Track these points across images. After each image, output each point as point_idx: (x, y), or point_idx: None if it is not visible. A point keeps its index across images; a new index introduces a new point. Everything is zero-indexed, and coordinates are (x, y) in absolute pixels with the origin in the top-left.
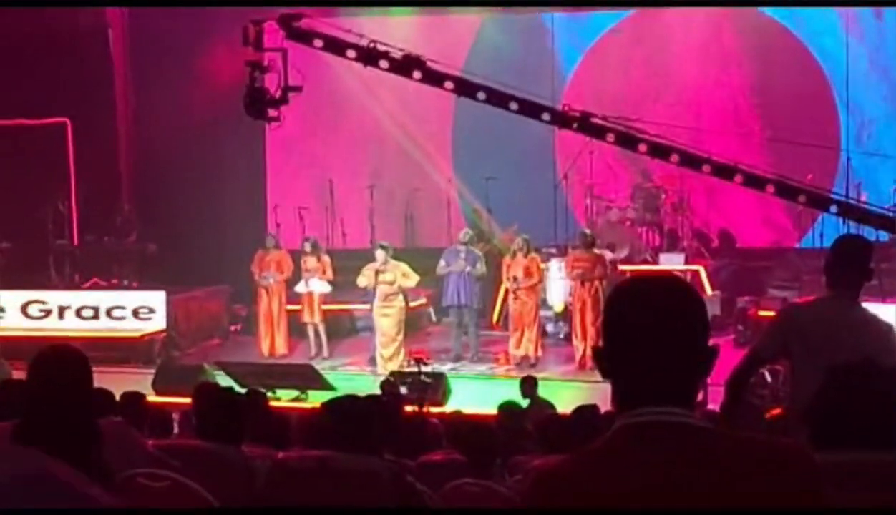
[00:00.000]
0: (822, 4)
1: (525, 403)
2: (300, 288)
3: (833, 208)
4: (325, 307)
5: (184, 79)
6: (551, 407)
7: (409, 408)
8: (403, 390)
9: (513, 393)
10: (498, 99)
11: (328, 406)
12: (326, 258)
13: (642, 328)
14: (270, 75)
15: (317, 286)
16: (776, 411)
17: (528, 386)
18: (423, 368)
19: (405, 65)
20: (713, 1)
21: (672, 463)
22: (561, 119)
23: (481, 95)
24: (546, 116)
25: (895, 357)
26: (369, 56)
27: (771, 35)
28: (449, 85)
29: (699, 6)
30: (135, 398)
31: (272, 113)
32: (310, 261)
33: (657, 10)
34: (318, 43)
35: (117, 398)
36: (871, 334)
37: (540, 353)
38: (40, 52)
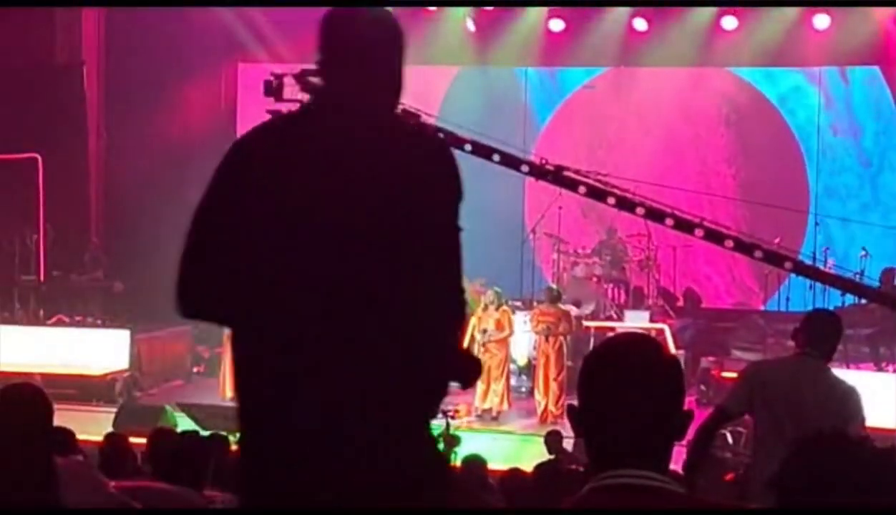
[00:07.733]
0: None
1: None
2: None
3: (787, 264)
4: None
5: (156, 118)
6: (583, 462)
7: None
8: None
9: (473, 445)
10: (482, 151)
11: None
12: None
13: (617, 390)
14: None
15: None
16: (730, 476)
17: (554, 440)
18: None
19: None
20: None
21: None
22: (537, 171)
23: (468, 147)
24: (525, 168)
25: (860, 422)
26: None
27: (744, 97)
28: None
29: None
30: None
31: None
32: None
33: (631, 68)
34: None
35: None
36: (837, 398)
37: (505, 407)
38: (14, 87)
